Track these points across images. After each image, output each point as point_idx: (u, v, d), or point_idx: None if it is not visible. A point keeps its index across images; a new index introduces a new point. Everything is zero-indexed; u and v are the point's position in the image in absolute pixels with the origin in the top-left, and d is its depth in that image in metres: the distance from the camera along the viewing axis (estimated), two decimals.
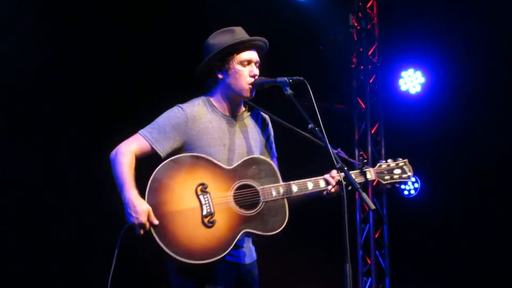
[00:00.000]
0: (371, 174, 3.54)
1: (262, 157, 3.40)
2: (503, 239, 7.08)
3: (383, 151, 7.93)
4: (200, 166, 3.26)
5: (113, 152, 3.32)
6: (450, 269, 7.38)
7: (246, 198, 3.29)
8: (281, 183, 3.37)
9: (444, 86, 7.62)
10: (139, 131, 3.37)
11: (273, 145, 3.64)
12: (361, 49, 7.94)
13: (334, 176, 3.37)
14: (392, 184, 3.59)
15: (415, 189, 7.86)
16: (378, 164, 3.61)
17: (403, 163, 3.63)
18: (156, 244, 3.10)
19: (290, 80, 3.30)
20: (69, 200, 5.98)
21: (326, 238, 7.10)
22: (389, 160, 3.64)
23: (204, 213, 3.18)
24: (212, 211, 3.19)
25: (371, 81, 8.02)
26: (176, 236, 3.13)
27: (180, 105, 3.42)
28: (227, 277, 3.31)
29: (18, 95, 5.74)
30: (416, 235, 7.60)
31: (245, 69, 3.38)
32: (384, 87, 8.03)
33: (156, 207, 3.14)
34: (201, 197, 3.20)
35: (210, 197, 3.21)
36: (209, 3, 6.40)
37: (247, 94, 3.40)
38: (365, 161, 3.54)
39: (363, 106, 8.00)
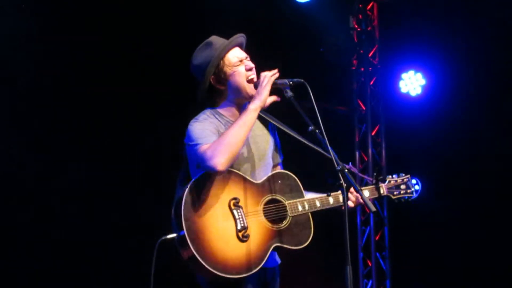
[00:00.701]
0: (383, 189, 3.70)
1: (287, 172, 3.46)
2: (504, 241, 7.07)
3: (383, 153, 7.93)
4: (231, 181, 3.26)
5: (208, 159, 3.13)
6: (450, 271, 7.37)
7: (275, 212, 3.33)
8: (306, 198, 3.43)
9: (444, 88, 7.61)
10: (198, 145, 3.22)
11: (280, 147, 3.66)
12: (361, 51, 7.93)
13: (353, 192, 3.48)
14: (399, 199, 3.79)
15: (416, 191, 7.83)
16: (388, 180, 3.74)
17: (407, 179, 3.83)
18: (194, 258, 3.10)
19: (291, 82, 3.29)
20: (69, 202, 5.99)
21: (327, 240, 7.09)
22: (394, 176, 3.81)
23: (239, 227, 3.20)
24: (246, 225, 3.21)
25: (371, 83, 8.02)
26: (212, 251, 3.13)
27: (198, 118, 3.36)
28: (255, 282, 3.33)
29: (18, 95, 5.76)
30: (417, 237, 7.59)
31: (241, 67, 3.38)
32: (385, 89, 8.03)
33: (193, 221, 3.13)
34: (234, 211, 3.22)
35: (243, 211, 3.24)
36: (209, 6, 6.40)
37: (252, 89, 3.38)
38: (381, 177, 3.63)
39: (364, 108, 7.99)
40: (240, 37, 3.45)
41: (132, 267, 5.64)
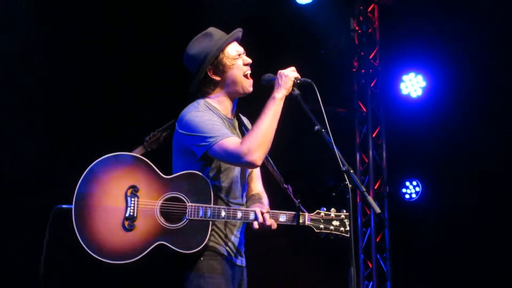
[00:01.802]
0: (304, 219, 3.35)
1: (201, 174, 3.29)
2: (505, 242, 7.06)
3: (384, 155, 7.93)
4: (138, 169, 3.24)
5: (245, 154, 3.10)
6: (451, 272, 7.37)
7: (172, 210, 3.23)
8: (212, 205, 3.25)
9: (445, 90, 7.62)
10: (215, 138, 3.17)
11: None
12: (362, 53, 7.93)
13: (264, 212, 3.28)
14: (326, 234, 3.38)
15: (416, 192, 7.86)
16: (317, 211, 3.41)
17: (344, 216, 3.42)
18: (74, 233, 3.13)
19: (298, 81, 3.29)
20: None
21: (328, 242, 7.08)
22: (332, 210, 3.42)
23: (127, 215, 3.17)
24: (135, 215, 3.18)
25: (372, 85, 8.01)
26: (93, 230, 3.15)
27: (197, 108, 3.31)
28: (236, 280, 3.35)
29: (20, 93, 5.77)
30: (418, 238, 7.58)
31: (239, 61, 3.40)
32: (385, 91, 8.03)
33: (83, 197, 3.16)
34: (128, 199, 3.19)
35: (138, 201, 3.19)
36: (209, 6, 6.40)
37: (248, 87, 3.40)
38: (299, 203, 3.35)
39: (364, 110, 7.99)
40: (239, 32, 3.47)
41: None
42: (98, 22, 6.15)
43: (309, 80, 3.28)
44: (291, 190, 3.47)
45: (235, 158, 3.13)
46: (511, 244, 7.05)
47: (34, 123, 5.89)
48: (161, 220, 3.20)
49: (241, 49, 3.44)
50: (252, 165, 3.16)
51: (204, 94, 3.41)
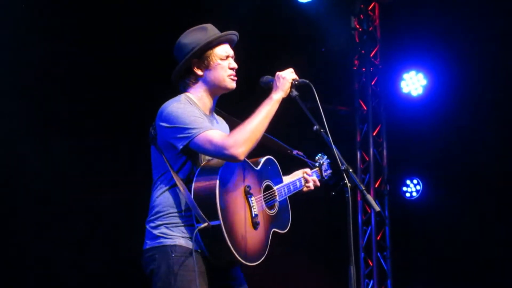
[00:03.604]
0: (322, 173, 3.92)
1: (272, 157, 3.55)
2: (505, 241, 7.07)
3: (384, 153, 7.93)
4: (242, 167, 3.32)
5: (229, 147, 3.07)
6: (452, 271, 7.38)
7: (270, 198, 3.44)
8: (283, 183, 3.57)
9: (446, 88, 7.61)
10: (198, 129, 3.11)
11: None
12: (363, 51, 7.94)
13: (310, 174, 3.74)
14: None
15: (417, 191, 7.86)
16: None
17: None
18: (227, 249, 3.08)
19: (296, 82, 3.29)
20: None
21: (328, 240, 7.10)
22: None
23: (253, 215, 3.27)
24: (257, 212, 3.30)
25: (373, 83, 8.01)
26: (238, 239, 3.15)
27: (179, 100, 3.27)
28: (215, 274, 3.27)
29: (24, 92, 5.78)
30: (418, 237, 7.59)
31: (225, 63, 3.37)
32: (386, 89, 8.03)
33: (224, 211, 3.10)
34: (249, 199, 3.28)
35: (255, 199, 3.32)
36: (209, 4, 6.40)
37: (231, 85, 3.38)
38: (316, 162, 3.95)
39: (365, 108, 8.00)
40: (234, 35, 3.45)
41: None
42: (99, 22, 6.15)
43: (307, 81, 3.28)
44: (302, 154, 3.80)
45: (219, 150, 3.08)
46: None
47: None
48: (267, 210, 3.40)
49: (231, 52, 3.41)
50: (235, 159, 3.10)
51: (185, 86, 3.38)
